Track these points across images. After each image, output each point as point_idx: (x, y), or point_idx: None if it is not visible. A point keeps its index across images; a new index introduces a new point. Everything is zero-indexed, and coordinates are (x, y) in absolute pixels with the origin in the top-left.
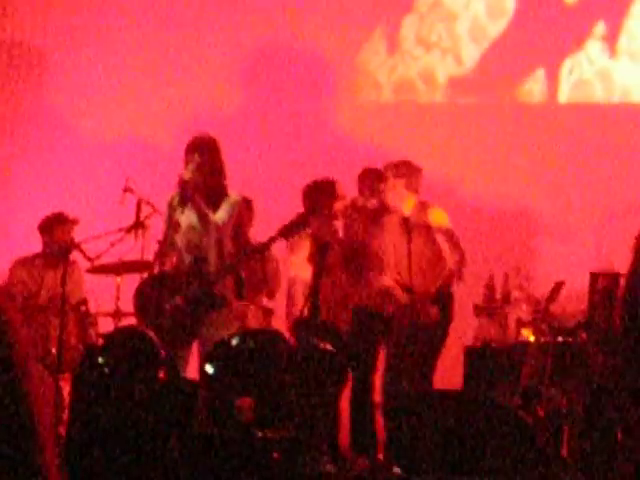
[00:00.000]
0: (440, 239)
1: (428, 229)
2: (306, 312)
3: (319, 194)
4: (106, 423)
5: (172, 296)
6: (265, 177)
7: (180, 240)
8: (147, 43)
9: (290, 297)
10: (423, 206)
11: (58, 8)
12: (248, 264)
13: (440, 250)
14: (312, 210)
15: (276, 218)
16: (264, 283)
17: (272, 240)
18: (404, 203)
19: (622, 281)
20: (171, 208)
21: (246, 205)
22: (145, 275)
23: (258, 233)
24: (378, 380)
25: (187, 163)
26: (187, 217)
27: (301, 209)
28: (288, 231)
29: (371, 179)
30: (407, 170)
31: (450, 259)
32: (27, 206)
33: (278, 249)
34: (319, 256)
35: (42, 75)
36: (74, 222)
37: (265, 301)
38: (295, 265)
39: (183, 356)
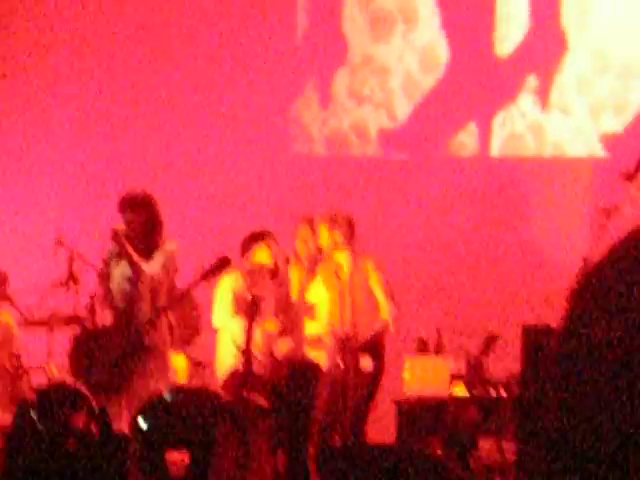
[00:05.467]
0: (375, 289)
1: (363, 279)
2: (240, 367)
3: (253, 244)
4: (40, 477)
5: (104, 351)
6: (197, 227)
7: (115, 291)
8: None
9: (219, 349)
10: (358, 257)
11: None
12: (177, 311)
13: (374, 300)
14: (226, 260)
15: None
16: (194, 331)
17: (195, 283)
18: (340, 253)
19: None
20: (106, 263)
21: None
22: (78, 331)
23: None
24: (313, 432)
25: (123, 219)
26: (122, 268)
27: (229, 253)
28: (209, 274)
29: (307, 229)
30: (343, 221)
31: (385, 309)
32: None
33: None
34: (251, 310)
35: None
36: (4, 279)
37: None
38: (220, 316)
39: (115, 409)
